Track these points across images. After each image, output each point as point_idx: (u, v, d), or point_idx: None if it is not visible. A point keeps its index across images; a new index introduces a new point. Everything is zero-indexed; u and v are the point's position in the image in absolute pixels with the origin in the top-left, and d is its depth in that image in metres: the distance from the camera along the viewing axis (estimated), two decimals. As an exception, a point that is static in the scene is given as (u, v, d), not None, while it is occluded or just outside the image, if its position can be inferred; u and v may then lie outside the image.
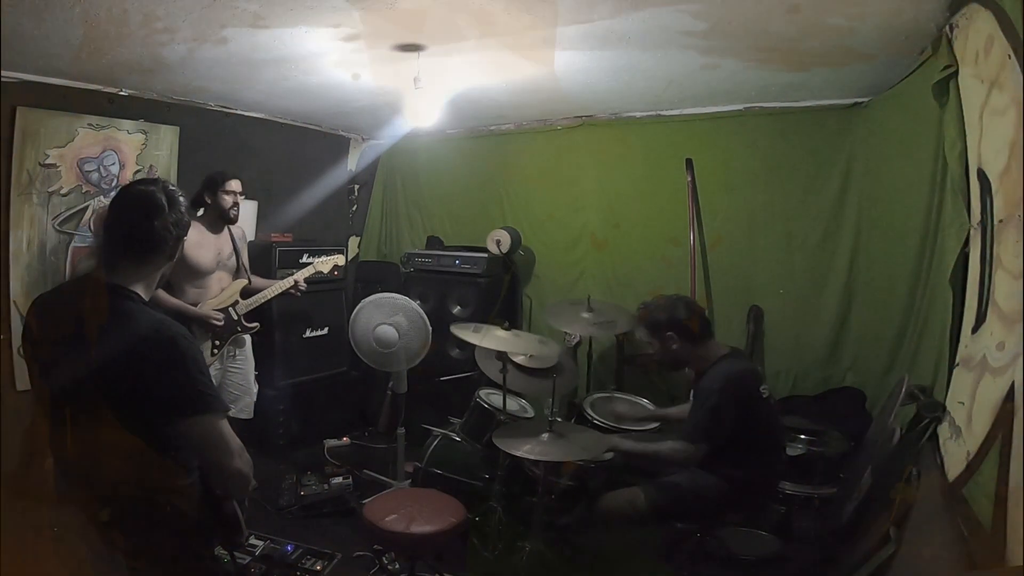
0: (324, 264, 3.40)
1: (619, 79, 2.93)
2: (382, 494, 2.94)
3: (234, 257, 3.14)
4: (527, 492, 2.60)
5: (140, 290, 1.35)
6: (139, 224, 1.34)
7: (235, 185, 3.07)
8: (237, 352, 3.19)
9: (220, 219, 3.06)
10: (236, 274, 3.18)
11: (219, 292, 3.06)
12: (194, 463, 1.37)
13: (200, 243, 2.95)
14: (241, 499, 1.44)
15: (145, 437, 1.29)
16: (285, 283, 3.23)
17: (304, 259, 3.68)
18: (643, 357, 2.76)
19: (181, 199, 1.41)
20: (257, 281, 3.27)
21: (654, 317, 2.43)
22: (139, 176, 3.35)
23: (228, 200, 3.04)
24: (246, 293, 3.16)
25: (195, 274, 2.97)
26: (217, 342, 3.05)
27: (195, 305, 2.96)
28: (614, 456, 2.48)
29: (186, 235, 1.44)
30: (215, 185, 3.02)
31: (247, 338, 3.22)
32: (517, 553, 2.47)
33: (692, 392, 2.46)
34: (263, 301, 3.19)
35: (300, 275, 3.28)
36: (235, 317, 3.10)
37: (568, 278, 4.05)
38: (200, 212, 3.05)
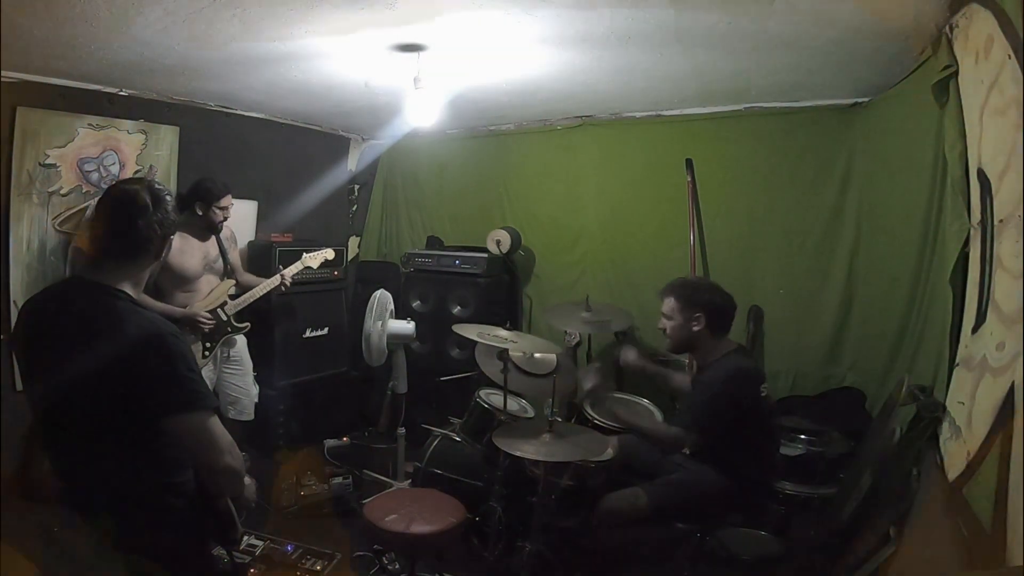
0: (313, 259, 3.41)
1: (619, 79, 2.92)
2: (382, 494, 2.94)
3: (220, 259, 3.15)
4: (527, 492, 2.60)
5: (128, 289, 1.35)
6: (124, 224, 1.34)
7: (228, 201, 3.08)
8: (231, 353, 3.19)
9: (207, 229, 3.07)
10: (224, 276, 3.18)
11: (208, 294, 3.06)
12: (187, 461, 1.37)
13: (183, 250, 2.96)
14: (242, 500, 1.44)
15: (137, 435, 1.29)
16: (273, 280, 3.25)
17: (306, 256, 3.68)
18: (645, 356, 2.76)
19: (167, 198, 1.41)
20: (249, 278, 3.28)
21: (692, 293, 2.42)
22: (139, 176, 3.36)
23: (219, 215, 3.06)
24: (240, 289, 3.16)
25: (183, 280, 2.98)
26: (208, 344, 3.05)
27: (184, 308, 2.96)
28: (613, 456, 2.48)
29: (174, 234, 1.44)
30: (209, 199, 3.01)
31: (240, 339, 3.22)
32: (517, 553, 2.47)
33: (692, 382, 2.47)
34: (252, 300, 3.19)
35: (289, 271, 3.29)
36: (224, 318, 3.10)
37: (568, 278, 4.05)
38: (184, 216, 3.03)
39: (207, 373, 3.07)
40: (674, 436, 2.25)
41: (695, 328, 2.38)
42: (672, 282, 2.51)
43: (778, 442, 2.52)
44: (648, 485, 2.32)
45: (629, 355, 2.81)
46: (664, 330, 2.47)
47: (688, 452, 2.36)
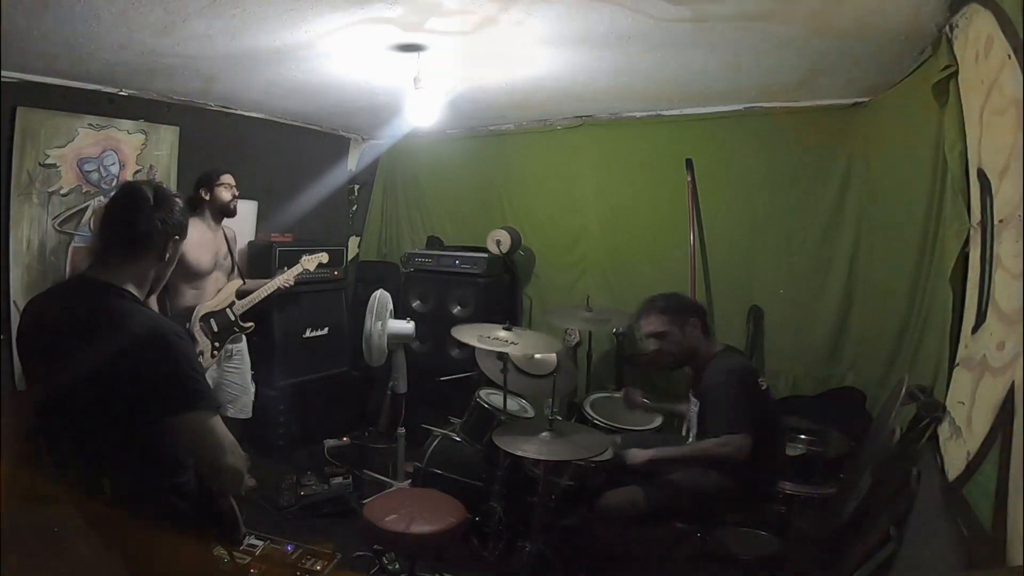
0: (310, 262, 3.45)
1: (619, 79, 2.93)
2: (382, 494, 2.95)
3: (229, 258, 3.16)
4: (527, 492, 2.60)
5: (132, 288, 1.35)
6: (126, 220, 1.35)
7: (229, 178, 3.09)
8: (234, 351, 3.20)
9: (220, 214, 3.08)
10: (230, 274, 3.20)
11: (215, 293, 3.07)
12: (189, 460, 1.37)
13: (201, 243, 2.96)
14: (237, 496, 1.44)
15: (139, 434, 1.29)
16: (276, 282, 3.26)
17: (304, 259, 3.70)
18: (651, 355, 2.72)
19: (175, 200, 1.41)
20: (248, 282, 3.30)
21: (677, 303, 2.41)
22: (139, 176, 3.36)
23: (226, 193, 3.07)
24: (239, 294, 3.18)
25: (194, 275, 2.98)
26: (217, 343, 3.06)
27: (193, 307, 2.97)
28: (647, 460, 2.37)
29: (179, 236, 1.44)
30: (210, 181, 3.03)
31: (243, 337, 3.24)
32: (517, 553, 2.47)
33: (692, 390, 2.45)
34: (258, 300, 3.20)
35: (290, 273, 3.32)
36: (232, 318, 3.11)
37: (568, 278, 4.05)
38: (197, 210, 3.05)
39: (210, 372, 3.08)
40: (734, 446, 2.11)
41: (693, 335, 2.37)
42: (646, 304, 2.47)
43: (783, 440, 2.50)
44: (646, 483, 2.31)
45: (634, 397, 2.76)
46: (660, 350, 2.41)
47: None
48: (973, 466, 1.46)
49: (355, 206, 4.94)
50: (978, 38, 1.69)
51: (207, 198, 3.03)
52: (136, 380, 1.25)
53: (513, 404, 2.98)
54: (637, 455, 2.33)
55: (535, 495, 2.46)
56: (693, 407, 2.43)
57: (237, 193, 3.14)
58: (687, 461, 2.31)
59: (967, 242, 1.80)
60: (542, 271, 4.18)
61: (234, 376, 3.22)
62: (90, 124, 3.15)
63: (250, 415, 3.30)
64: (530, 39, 2.36)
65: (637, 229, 3.79)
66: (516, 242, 4.03)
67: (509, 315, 3.91)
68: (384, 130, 4.46)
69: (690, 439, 2.49)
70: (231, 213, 3.12)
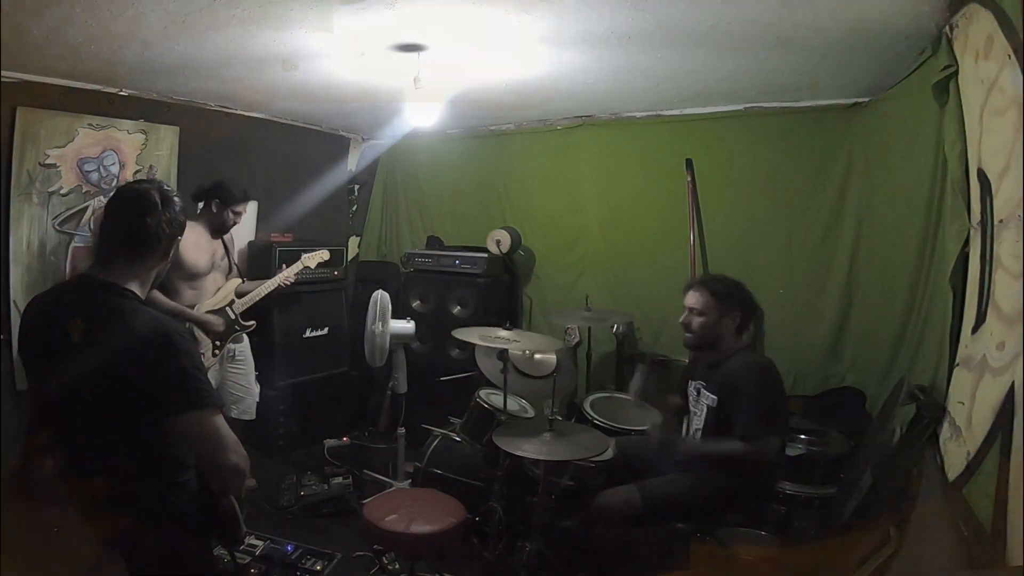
0: (311, 259, 3.47)
1: (619, 79, 2.92)
2: (382, 494, 2.95)
3: (226, 258, 3.17)
4: (527, 492, 2.60)
5: (135, 288, 1.36)
6: (133, 222, 1.35)
7: (244, 208, 3.11)
8: (236, 351, 3.20)
9: (218, 228, 3.08)
10: (228, 274, 3.21)
11: (214, 292, 3.07)
12: (190, 459, 1.38)
13: (197, 245, 2.96)
14: (239, 496, 1.45)
15: (141, 434, 1.29)
16: (277, 279, 3.27)
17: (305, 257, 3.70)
18: (649, 355, 2.68)
19: (176, 199, 1.42)
20: (248, 282, 3.31)
21: (730, 290, 2.36)
22: (139, 176, 3.36)
23: (231, 219, 3.08)
24: (239, 292, 3.18)
25: (192, 275, 2.98)
26: (217, 343, 3.07)
27: (192, 306, 2.97)
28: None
29: (181, 236, 1.44)
30: (227, 201, 3.03)
31: (244, 337, 3.24)
32: (517, 553, 2.47)
33: (704, 383, 2.39)
34: (258, 299, 3.21)
35: (290, 271, 3.33)
36: (232, 316, 3.12)
37: (568, 278, 4.05)
38: (199, 210, 3.05)
39: (212, 372, 3.08)
40: (764, 451, 2.09)
41: (730, 326, 2.33)
42: (704, 277, 2.47)
43: (784, 441, 2.48)
44: (643, 483, 2.30)
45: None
46: (688, 324, 2.37)
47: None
48: (973, 466, 1.45)
49: (355, 206, 4.94)
50: (978, 38, 1.69)
51: (215, 211, 3.03)
52: (139, 379, 1.25)
53: (513, 404, 2.97)
54: (682, 445, 2.32)
55: (535, 495, 2.46)
56: (703, 399, 2.37)
57: (241, 221, 3.15)
58: (716, 459, 2.23)
59: (967, 242, 1.80)
60: (542, 271, 4.18)
61: (238, 377, 3.23)
62: (90, 124, 3.15)
63: (254, 416, 3.31)
64: (530, 39, 2.36)
65: (637, 229, 3.79)
66: (516, 242, 4.03)
67: (509, 315, 3.92)
68: (384, 130, 4.46)
69: (691, 430, 2.46)
70: (226, 232, 3.14)
